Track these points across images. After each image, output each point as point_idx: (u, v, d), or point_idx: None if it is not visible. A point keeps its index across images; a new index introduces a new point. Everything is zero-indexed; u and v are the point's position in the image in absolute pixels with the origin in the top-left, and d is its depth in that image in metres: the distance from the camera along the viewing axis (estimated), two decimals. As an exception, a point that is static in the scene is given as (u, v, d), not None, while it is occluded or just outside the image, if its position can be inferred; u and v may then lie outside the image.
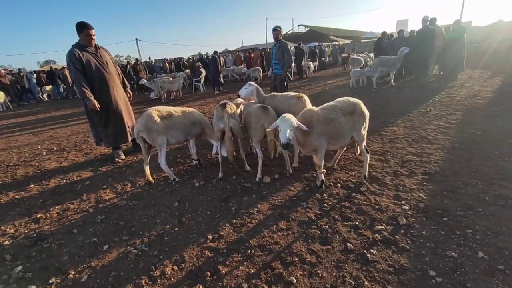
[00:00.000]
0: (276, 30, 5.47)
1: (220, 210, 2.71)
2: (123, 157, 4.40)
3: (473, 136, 3.98)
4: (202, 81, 13.11)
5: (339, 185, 2.96)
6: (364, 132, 2.88)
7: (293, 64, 14.40)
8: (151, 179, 3.45)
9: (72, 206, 3.03)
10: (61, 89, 16.04)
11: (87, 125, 6.41)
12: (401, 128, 4.69)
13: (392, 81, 8.91)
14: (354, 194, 2.75)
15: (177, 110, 3.40)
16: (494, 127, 4.26)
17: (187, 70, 15.55)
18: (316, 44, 26.68)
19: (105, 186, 3.46)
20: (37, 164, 4.53)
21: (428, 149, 3.66)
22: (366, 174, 2.96)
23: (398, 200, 2.58)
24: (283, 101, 3.42)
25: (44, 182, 3.75)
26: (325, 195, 2.78)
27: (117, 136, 4.22)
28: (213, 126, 3.33)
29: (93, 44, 3.94)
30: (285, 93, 3.65)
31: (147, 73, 15.75)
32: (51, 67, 17.55)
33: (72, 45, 3.85)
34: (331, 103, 2.83)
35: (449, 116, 5.02)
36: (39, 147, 5.64)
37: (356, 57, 15.06)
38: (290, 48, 5.59)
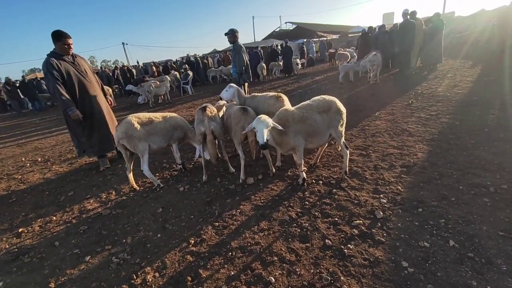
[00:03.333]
0: (229, 34, 5.46)
1: (204, 213, 2.73)
2: (109, 165, 4.37)
3: (451, 126, 4.08)
4: (190, 83, 13.04)
5: (321, 182, 3.01)
6: (342, 128, 2.92)
7: (281, 63, 14.79)
8: (135, 186, 3.44)
9: (54, 218, 3.01)
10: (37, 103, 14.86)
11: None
12: (384, 121, 4.78)
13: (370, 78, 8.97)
14: (335, 190, 2.80)
15: (157, 115, 3.39)
16: (472, 116, 4.38)
17: (176, 73, 15.44)
18: (304, 40, 26.80)
19: (89, 196, 3.44)
20: (20, 176, 4.45)
21: (408, 142, 3.74)
22: (347, 170, 3.01)
23: (377, 194, 2.64)
24: (262, 101, 3.45)
25: (26, 195, 3.70)
26: (306, 193, 2.82)
27: (103, 145, 4.18)
28: (195, 129, 3.34)
29: (71, 53, 3.88)
30: (265, 93, 3.67)
31: (134, 77, 15.61)
32: (36, 76, 17.18)
33: (48, 54, 3.77)
34: (307, 102, 2.87)
35: (430, 108, 5.14)
36: (23, 159, 5.55)
37: (342, 52, 15.22)
38: (243, 49, 5.50)
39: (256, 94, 3.86)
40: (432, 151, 3.37)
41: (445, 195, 2.47)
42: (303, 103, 2.87)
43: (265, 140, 2.38)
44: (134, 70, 18.20)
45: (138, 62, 22.99)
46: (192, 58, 17.99)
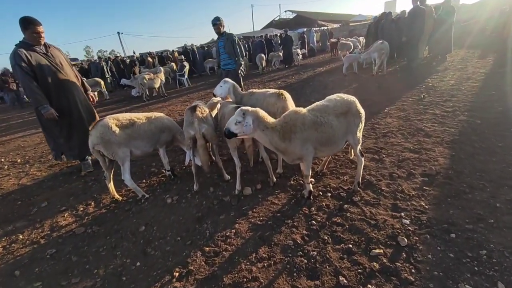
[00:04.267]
0: (216, 23, 4.91)
1: (193, 234, 2.32)
2: (91, 168, 3.94)
3: (472, 125, 3.65)
4: (186, 75, 12.48)
5: (329, 194, 2.60)
6: (360, 134, 2.49)
7: (281, 53, 14.17)
8: (117, 196, 3.02)
9: (21, 237, 2.60)
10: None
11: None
12: (395, 119, 4.34)
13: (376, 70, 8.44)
14: (346, 205, 2.38)
15: (140, 116, 2.94)
16: (494, 113, 3.94)
17: (172, 64, 14.81)
18: (305, 29, 25.97)
19: (64, 208, 3.02)
20: (-6, 182, 4.03)
21: (426, 144, 3.31)
22: (360, 180, 2.59)
23: (397, 211, 2.23)
24: (261, 99, 2.99)
25: (-4, 205, 3.29)
26: (313, 208, 2.41)
27: (83, 147, 3.71)
28: (184, 132, 2.90)
29: (42, 43, 3.39)
30: (264, 90, 3.21)
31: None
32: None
33: (16, 45, 3.28)
34: (322, 102, 2.41)
35: (445, 104, 4.68)
36: (3, 160, 5.11)
37: (345, 42, 14.58)
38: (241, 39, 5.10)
39: (254, 90, 3.40)
40: (455, 156, 2.94)
41: (480, 215, 2.06)
42: (318, 103, 2.40)
43: (231, 131, 2.14)
44: (128, 61, 17.56)
45: (134, 52, 22.20)
46: (188, 48, 17.34)
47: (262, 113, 2.21)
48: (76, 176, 3.85)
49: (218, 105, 3.55)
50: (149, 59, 17.47)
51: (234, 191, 2.83)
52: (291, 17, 42.51)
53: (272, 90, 2.99)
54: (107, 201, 3.04)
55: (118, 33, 36.89)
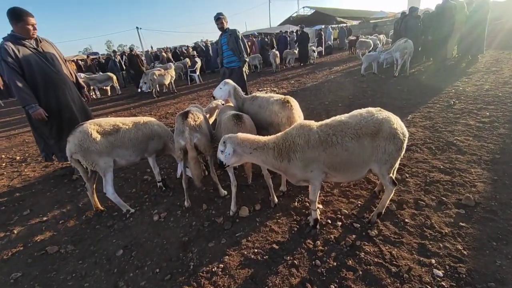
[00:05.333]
0: (220, 18, 4.55)
1: (174, 265, 1.97)
2: (84, 172, 3.69)
3: (516, 141, 3.08)
4: (198, 71, 12.21)
5: (340, 223, 2.17)
6: (394, 165, 1.94)
7: (296, 51, 13.61)
8: (100, 208, 2.73)
9: (-8, 252, 2.35)
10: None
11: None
12: (420, 129, 3.80)
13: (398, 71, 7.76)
14: (360, 241, 1.95)
15: (126, 121, 2.61)
16: (543, 127, 3.33)
17: (186, 60, 14.59)
18: (322, 26, 25.11)
19: (45, 218, 2.77)
20: (-14, 181, 3.87)
21: (459, 163, 2.79)
22: (383, 211, 2.13)
23: (425, 255, 1.77)
24: (264, 106, 2.58)
25: (-21, 210, 3.09)
26: (318, 242, 1.99)
27: None
28: (174, 141, 2.55)
29: (34, 36, 3.12)
30: (269, 94, 2.79)
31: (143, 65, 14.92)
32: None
33: (3, 38, 3.03)
34: (341, 117, 1.93)
35: (480, 112, 4.08)
36: (3, 156, 5.01)
37: (364, 39, 13.80)
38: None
39: (258, 94, 2.99)
40: (498, 182, 2.42)
41: (540, 271, 1.57)
42: (336, 118, 1.95)
43: (221, 160, 1.89)
44: (143, 57, 17.54)
45: (151, 47, 22.25)
46: (202, 44, 17.08)
47: (243, 135, 1.88)
48: (67, 180, 3.61)
49: (217, 111, 3.19)
50: (164, 54, 17.41)
51: (229, 212, 2.46)
52: (309, 13, 41.46)
53: (276, 96, 2.57)
54: (90, 214, 2.76)
55: (137, 28, 37.39)
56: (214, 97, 3.20)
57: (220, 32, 4.83)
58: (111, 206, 2.84)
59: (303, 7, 43.54)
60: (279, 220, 2.30)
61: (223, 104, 3.23)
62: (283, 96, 2.51)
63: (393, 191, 2.05)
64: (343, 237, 2.01)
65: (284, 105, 2.37)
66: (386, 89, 6.57)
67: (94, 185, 2.69)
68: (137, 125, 2.64)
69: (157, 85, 9.90)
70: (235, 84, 3.05)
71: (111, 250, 2.20)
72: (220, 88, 3.03)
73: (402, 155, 1.91)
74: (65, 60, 3.50)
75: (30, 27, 3.01)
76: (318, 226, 2.11)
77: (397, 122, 1.85)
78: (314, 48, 14.61)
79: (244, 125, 2.29)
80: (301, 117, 2.49)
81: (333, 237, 2.02)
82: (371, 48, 13.41)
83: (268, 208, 2.48)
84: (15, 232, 2.59)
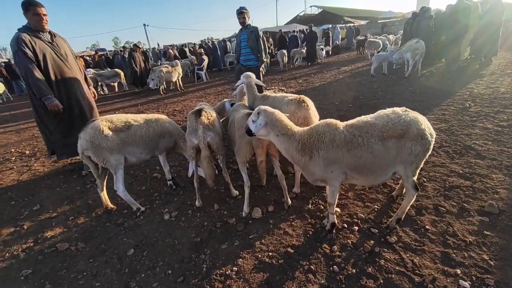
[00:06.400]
0: (243, 12, 4.45)
1: (187, 267, 1.92)
2: (93, 168, 3.67)
3: (538, 147, 2.97)
4: (205, 69, 12.18)
5: (356, 227, 2.10)
6: (419, 166, 1.88)
7: (304, 50, 13.49)
8: (110, 206, 2.70)
9: (1, 247, 2.33)
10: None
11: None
12: (436, 132, 3.61)
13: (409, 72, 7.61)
14: (379, 248, 1.88)
15: (137, 118, 2.57)
16: None
17: (193, 57, 14.56)
18: (330, 26, 24.88)
19: (55, 214, 2.74)
20: (-4, 175, 3.88)
21: (479, 168, 2.70)
22: (402, 217, 2.05)
23: (450, 265, 1.70)
24: (277, 106, 2.49)
25: (-11, 204, 3.08)
26: (335, 247, 1.93)
27: None
28: (186, 140, 2.50)
29: (46, 28, 3.12)
30: (281, 94, 2.72)
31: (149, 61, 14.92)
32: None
33: (19, 29, 3.02)
34: (367, 118, 1.86)
35: (497, 116, 3.96)
36: (13, 150, 5.03)
37: (373, 39, 13.62)
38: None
39: (269, 94, 2.92)
40: (521, 189, 2.33)
41: None
42: (362, 118, 1.88)
43: (249, 128, 1.87)
44: (150, 53, 17.57)
45: (158, 44, 22.31)
46: (209, 42, 17.05)
47: (279, 115, 1.84)
48: (77, 176, 3.60)
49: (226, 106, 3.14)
50: (170, 51, 17.40)
51: (242, 213, 2.41)
52: (316, 12, 41.10)
53: (291, 96, 2.50)
54: (100, 211, 2.73)
55: (144, 25, 37.53)
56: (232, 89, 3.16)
57: (240, 27, 4.71)
58: (120, 203, 2.81)
59: (310, 6, 43.05)
60: (293, 223, 2.24)
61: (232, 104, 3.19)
62: (298, 96, 2.44)
63: (415, 197, 1.97)
64: (361, 242, 1.94)
65: (300, 105, 2.30)
66: (397, 90, 6.44)
67: (105, 183, 2.65)
68: (149, 122, 2.60)
69: (164, 82, 9.89)
70: (255, 80, 3.00)
71: (122, 249, 2.17)
72: (239, 79, 2.99)
73: (426, 157, 1.84)
74: (76, 57, 3.49)
75: (38, 16, 3.00)
76: (334, 231, 2.05)
77: (425, 123, 1.79)
78: (322, 47, 14.47)
79: (259, 125, 2.22)
80: (317, 117, 2.42)
81: (350, 242, 1.95)
82: (380, 48, 13.28)
83: (281, 210, 2.42)
84: (25, 227, 2.58)
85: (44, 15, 3.03)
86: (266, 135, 1.86)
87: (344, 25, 28.46)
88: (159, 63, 14.32)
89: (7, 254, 2.24)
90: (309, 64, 13.54)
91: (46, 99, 3.02)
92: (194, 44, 22.54)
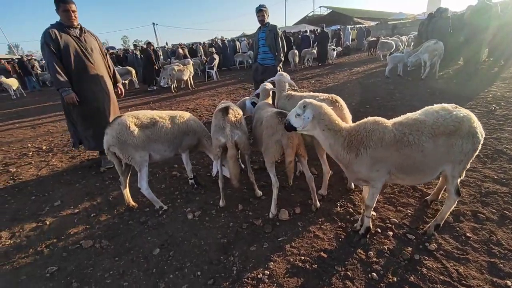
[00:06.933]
0: (262, 10, 4.37)
1: (216, 269, 1.86)
2: (111, 165, 3.62)
3: None
4: (216, 68, 12.16)
5: (391, 233, 2.01)
6: (468, 164, 1.80)
7: (315, 50, 13.37)
8: (132, 203, 2.66)
9: (26, 242, 2.31)
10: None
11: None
12: (462, 135, 3.56)
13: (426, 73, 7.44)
14: (418, 255, 1.79)
15: (163, 115, 2.52)
16: None
17: (204, 58, 14.59)
18: (338, 27, 24.67)
19: (77, 211, 2.72)
20: (15, 170, 3.89)
21: (514, 173, 2.58)
22: (441, 223, 1.95)
23: (499, 276, 1.60)
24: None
25: (10, 198, 3.08)
26: (371, 253, 1.84)
27: (99, 140, 3.46)
28: (212, 138, 2.44)
29: (75, 24, 3.19)
30: (308, 93, 2.65)
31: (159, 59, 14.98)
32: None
33: (51, 24, 3.13)
34: (415, 115, 1.78)
35: (526, 120, 3.81)
36: (29, 145, 5.05)
37: (386, 40, 13.42)
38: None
39: (293, 92, 2.86)
40: None
41: None
42: (409, 115, 1.80)
43: (291, 123, 1.81)
44: (160, 52, 17.65)
45: (167, 43, 22.41)
46: (218, 41, 17.05)
47: (327, 109, 1.77)
48: (95, 172, 3.58)
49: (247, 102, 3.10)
50: (180, 50, 17.44)
51: (268, 213, 2.34)
52: (325, 13, 40.84)
53: (322, 95, 2.41)
54: (121, 208, 2.69)
55: (153, 24, 37.81)
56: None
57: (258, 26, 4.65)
58: (141, 201, 2.77)
59: (320, 7, 42.81)
60: (322, 226, 2.16)
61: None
62: (330, 95, 2.36)
63: (456, 202, 1.87)
64: (398, 249, 1.85)
65: (334, 105, 2.21)
66: (415, 91, 6.30)
67: (128, 180, 2.62)
68: (174, 119, 2.55)
69: (176, 81, 9.90)
70: (287, 80, 2.96)
71: (147, 248, 2.12)
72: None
73: (474, 156, 1.75)
74: (106, 54, 3.52)
75: (67, 13, 3.08)
76: (368, 236, 1.96)
77: (476, 121, 1.70)
78: (333, 47, 14.32)
79: (289, 124, 2.14)
80: (350, 117, 2.34)
81: (386, 248, 1.86)
82: (392, 50, 13.08)
83: (308, 212, 2.35)
84: (47, 223, 2.55)
85: (73, 11, 3.12)
86: (310, 130, 1.79)
87: (353, 26, 28.20)
88: (168, 62, 14.39)
89: (31, 249, 2.22)
90: (319, 64, 13.43)
91: (63, 90, 3.09)
92: (204, 43, 22.61)
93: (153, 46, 11.83)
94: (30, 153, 4.57)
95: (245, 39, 21.45)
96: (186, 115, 2.69)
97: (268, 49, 4.58)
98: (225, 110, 2.30)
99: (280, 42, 4.54)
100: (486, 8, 7.01)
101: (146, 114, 2.44)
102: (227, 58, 15.20)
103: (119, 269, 1.93)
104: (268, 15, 4.63)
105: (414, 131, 1.66)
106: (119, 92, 3.71)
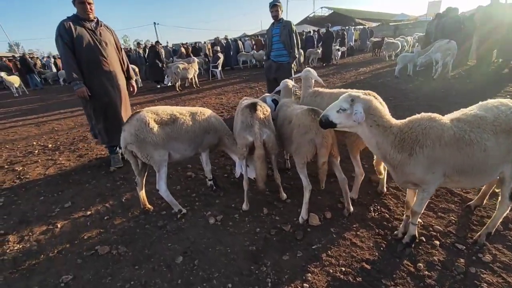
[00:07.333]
0: (276, 4, 4.23)
1: (249, 280, 1.70)
2: (121, 164, 3.48)
3: None
4: (220, 67, 12.00)
5: (438, 242, 1.84)
6: None
7: (319, 50, 13.22)
8: (148, 206, 2.49)
9: (36, 247, 2.14)
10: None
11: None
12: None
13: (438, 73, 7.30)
14: (474, 268, 1.62)
15: (183, 111, 2.36)
16: None
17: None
18: (339, 28, 24.55)
19: (89, 213, 2.55)
20: (21, 168, 3.71)
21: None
22: (493, 231, 1.79)
23: None
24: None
25: (17, 199, 2.90)
26: (420, 265, 1.67)
27: (111, 135, 3.31)
28: (237, 137, 2.27)
29: (91, 16, 3.08)
30: (338, 90, 2.49)
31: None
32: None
33: (68, 17, 3.02)
34: (473, 110, 1.63)
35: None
36: (35, 143, 4.89)
37: (392, 41, 13.29)
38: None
39: (320, 89, 2.70)
40: None
41: None
42: (466, 111, 1.65)
43: (329, 119, 1.64)
44: (162, 51, 17.47)
45: (167, 43, 22.25)
46: (223, 40, 16.88)
47: (377, 103, 1.62)
48: (105, 172, 3.41)
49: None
50: (182, 49, 17.27)
51: (297, 219, 2.17)
52: (326, 14, 40.71)
53: (354, 91, 2.24)
54: (136, 211, 2.52)
55: (154, 23, 37.64)
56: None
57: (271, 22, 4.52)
58: (157, 203, 2.61)
59: (321, 7, 42.67)
60: (358, 233, 2.00)
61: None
62: (365, 91, 2.19)
63: (509, 208, 1.71)
64: (450, 260, 1.69)
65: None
66: (429, 91, 6.14)
67: (144, 179, 2.45)
68: (194, 116, 2.38)
69: (180, 79, 9.73)
70: (315, 77, 2.82)
71: (168, 255, 1.95)
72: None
73: None
74: (121, 49, 3.40)
75: (83, 5, 2.98)
76: (413, 245, 1.80)
77: None
78: (338, 47, 14.19)
79: (323, 122, 1.97)
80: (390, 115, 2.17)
81: (436, 260, 1.70)
82: (398, 50, 12.95)
83: (340, 217, 2.18)
84: (59, 226, 2.38)
85: (89, 3, 3.01)
86: (354, 126, 1.63)
87: (355, 26, 28.10)
88: (171, 61, 14.24)
89: (42, 255, 2.05)
90: (324, 64, 13.29)
91: (74, 84, 2.99)
92: (205, 42, 22.44)
93: (161, 44, 11.71)
94: (36, 151, 4.40)
95: (249, 38, 21.30)
96: (207, 111, 2.53)
97: (282, 45, 4.42)
98: (253, 107, 2.14)
99: (295, 39, 4.39)
100: (498, 8, 6.88)
101: (165, 110, 2.28)
102: (230, 58, 15.05)
103: (141, 279, 1.76)
104: (282, 11, 4.49)
105: (475, 128, 1.50)
106: (131, 89, 3.56)
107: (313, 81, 2.84)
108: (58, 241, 2.19)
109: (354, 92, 1.79)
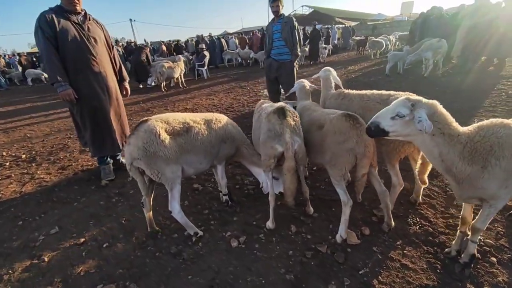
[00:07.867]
0: (276, 0, 4.00)
1: (294, 320, 1.42)
2: (113, 176, 3.07)
3: None
4: (206, 65, 11.53)
5: (494, 259, 1.67)
6: None
7: (306, 48, 13.13)
8: (156, 229, 2.13)
9: (20, 291, 1.73)
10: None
11: (70, 120, 4.88)
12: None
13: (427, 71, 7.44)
14: (545, 289, 1.46)
15: (197, 119, 2.02)
16: None
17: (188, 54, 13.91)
18: (320, 26, 24.79)
19: (83, 240, 2.14)
20: (-10, 185, 3.17)
21: None
22: None
23: None
24: (372, 107, 2.01)
25: (-12, 225, 2.42)
26: (487, 288, 1.49)
27: (99, 144, 2.91)
28: (261, 146, 1.98)
29: (78, 8, 2.66)
30: (371, 92, 2.21)
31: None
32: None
33: (50, 8, 2.59)
34: None
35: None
36: (4, 153, 4.27)
37: (377, 39, 13.51)
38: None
39: (347, 90, 2.47)
40: None
41: None
42: None
43: (380, 127, 1.46)
44: (149, 54, 16.62)
45: (145, 40, 21.26)
46: (207, 38, 16.34)
47: (442, 108, 1.41)
48: (95, 187, 2.98)
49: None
50: (163, 47, 16.51)
51: (332, 237, 1.93)
52: (307, 12, 41.09)
53: (391, 93, 2.03)
54: (141, 235, 2.15)
55: (130, 20, 36.00)
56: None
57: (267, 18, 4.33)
58: (165, 223, 2.25)
59: (302, 6, 43.01)
60: (405, 252, 1.79)
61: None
62: (401, 93, 1.98)
63: None
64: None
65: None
66: (423, 89, 6.14)
67: (151, 201, 2.08)
68: (210, 123, 2.06)
69: (165, 79, 9.19)
70: (334, 76, 2.66)
71: (191, 292, 1.63)
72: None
73: None
74: (112, 47, 2.97)
75: None
76: (472, 265, 1.61)
77: None
78: (325, 45, 14.21)
79: (363, 129, 1.74)
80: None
81: (502, 281, 1.52)
82: (383, 49, 13.21)
83: (379, 233, 1.97)
84: (46, 259, 1.96)
85: None
86: (411, 135, 1.43)
87: (336, 25, 28.52)
88: (152, 59, 13.54)
89: (29, 302, 1.64)
90: (311, 63, 13.25)
91: (58, 85, 2.56)
92: (187, 40, 21.69)
93: (148, 47, 11.18)
94: (7, 164, 3.82)
95: (232, 36, 20.83)
96: (223, 118, 2.20)
97: (284, 43, 4.17)
98: (282, 112, 1.85)
99: (297, 36, 4.17)
100: (487, 7, 7.07)
101: (177, 118, 1.93)
102: (215, 56, 14.60)
103: (163, 329, 1.43)
104: (283, 6, 4.24)
105: None
106: (124, 92, 3.15)
107: (333, 81, 2.61)
108: (47, 280, 1.79)
109: (414, 96, 1.56)
